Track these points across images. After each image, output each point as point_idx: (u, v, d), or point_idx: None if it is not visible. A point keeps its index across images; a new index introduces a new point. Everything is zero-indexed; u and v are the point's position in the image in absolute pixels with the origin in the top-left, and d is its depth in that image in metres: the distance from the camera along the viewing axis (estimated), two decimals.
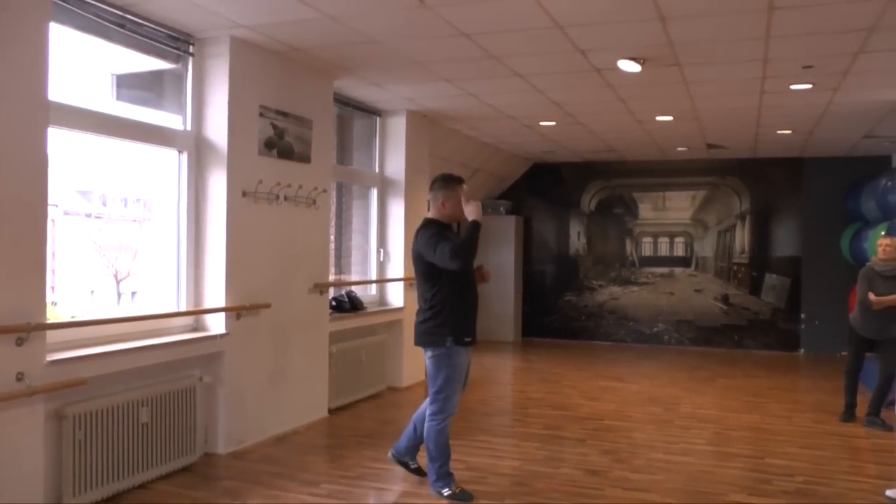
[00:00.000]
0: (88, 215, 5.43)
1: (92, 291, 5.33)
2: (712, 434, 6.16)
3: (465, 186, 4.57)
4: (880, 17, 4.57)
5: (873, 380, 6.60)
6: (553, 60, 5.72)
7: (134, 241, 5.64)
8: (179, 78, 5.32)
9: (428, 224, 4.53)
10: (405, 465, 4.91)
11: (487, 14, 4.67)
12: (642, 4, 4.40)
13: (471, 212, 4.42)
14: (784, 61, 5.59)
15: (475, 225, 4.37)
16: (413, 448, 4.87)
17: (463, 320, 4.47)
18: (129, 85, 5.24)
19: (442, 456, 4.52)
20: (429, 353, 4.51)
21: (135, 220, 5.89)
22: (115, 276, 5.36)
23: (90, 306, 5.17)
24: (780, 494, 4.68)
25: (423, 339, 4.52)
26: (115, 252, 5.42)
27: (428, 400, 4.61)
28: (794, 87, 6.37)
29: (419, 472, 4.86)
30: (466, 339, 4.46)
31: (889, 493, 4.66)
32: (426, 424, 4.55)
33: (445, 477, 4.53)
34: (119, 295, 5.41)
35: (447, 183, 4.56)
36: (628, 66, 5.67)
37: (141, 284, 5.50)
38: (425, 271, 4.47)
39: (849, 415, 6.63)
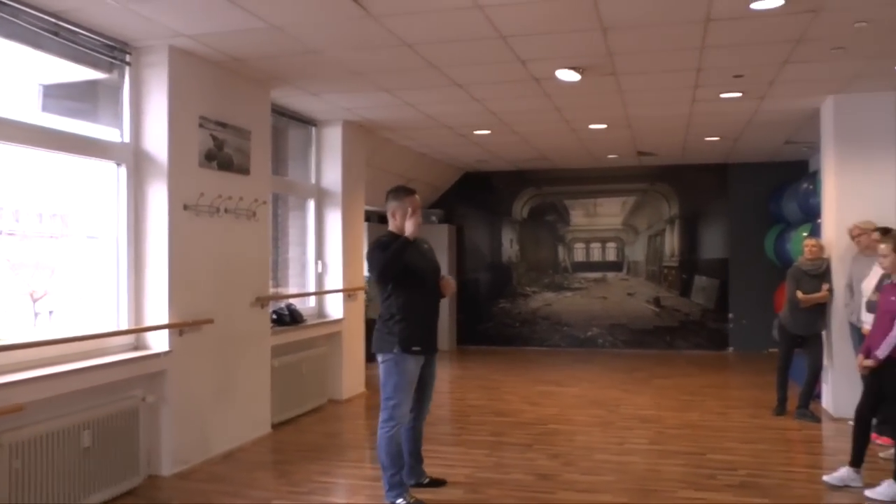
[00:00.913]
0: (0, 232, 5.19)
1: (5, 311, 5.10)
2: (654, 433, 6.30)
3: (416, 198, 4.59)
4: (806, 29, 4.80)
5: (802, 375, 6.88)
6: (493, 70, 5.79)
7: (51, 258, 5.41)
8: (115, 89, 5.14)
9: (381, 235, 4.60)
10: (421, 484, 4.83)
11: (433, 24, 4.69)
12: (586, 15, 4.49)
13: (407, 225, 4.45)
14: (716, 70, 5.79)
15: (403, 240, 4.40)
16: (414, 467, 4.84)
17: (412, 329, 4.49)
18: (58, 95, 5.04)
19: (394, 465, 4.49)
20: (380, 359, 4.57)
21: (52, 237, 5.65)
22: (31, 296, 5.14)
23: (5, 327, 4.94)
24: (725, 489, 4.83)
25: (375, 344, 4.59)
26: (31, 270, 5.19)
27: (381, 407, 4.59)
28: (724, 95, 6.62)
29: (435, 483, 4.90)
30: (414, 348, 4.48)
31: (826, 478, 4.88)
32: (378, 433, 4.53)
33: (398, 487, 4.49)
34: (35, 314, 5.18)
35: (397, 194, 4.61)
36: (567, 75, 5.77)
37: (59, 303, 5.29)
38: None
39: (781, 409, 6.90)
